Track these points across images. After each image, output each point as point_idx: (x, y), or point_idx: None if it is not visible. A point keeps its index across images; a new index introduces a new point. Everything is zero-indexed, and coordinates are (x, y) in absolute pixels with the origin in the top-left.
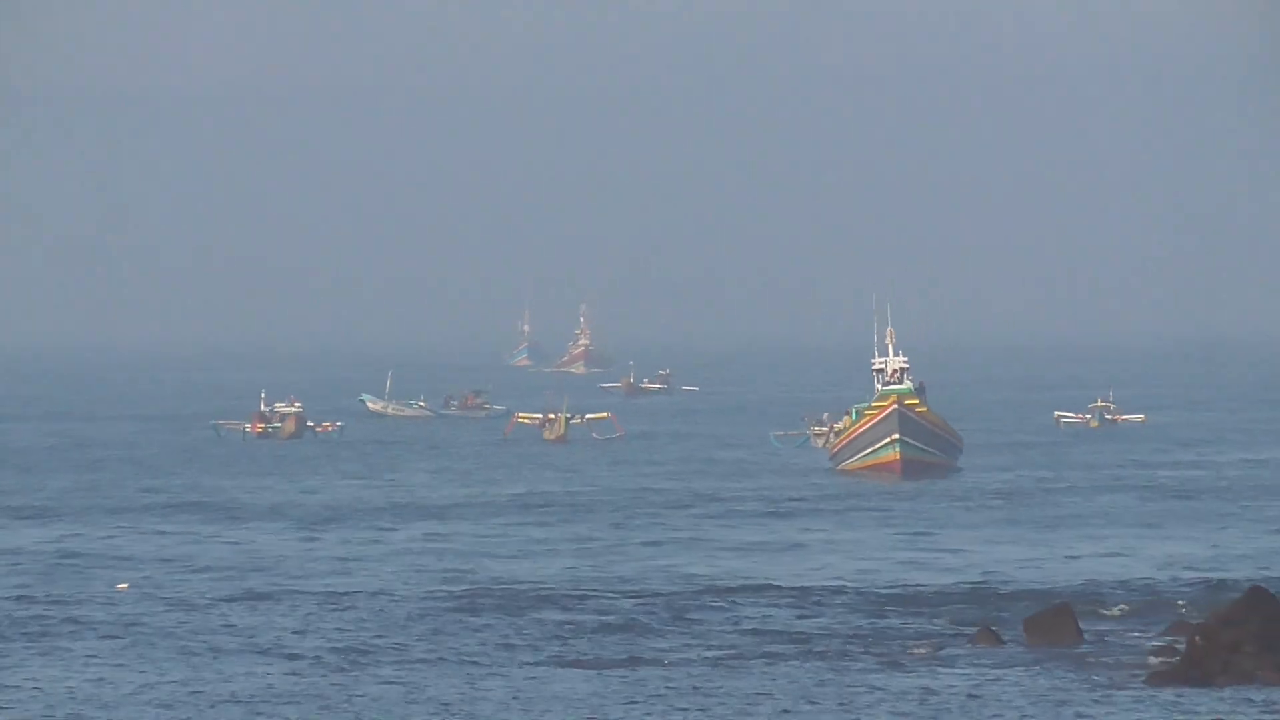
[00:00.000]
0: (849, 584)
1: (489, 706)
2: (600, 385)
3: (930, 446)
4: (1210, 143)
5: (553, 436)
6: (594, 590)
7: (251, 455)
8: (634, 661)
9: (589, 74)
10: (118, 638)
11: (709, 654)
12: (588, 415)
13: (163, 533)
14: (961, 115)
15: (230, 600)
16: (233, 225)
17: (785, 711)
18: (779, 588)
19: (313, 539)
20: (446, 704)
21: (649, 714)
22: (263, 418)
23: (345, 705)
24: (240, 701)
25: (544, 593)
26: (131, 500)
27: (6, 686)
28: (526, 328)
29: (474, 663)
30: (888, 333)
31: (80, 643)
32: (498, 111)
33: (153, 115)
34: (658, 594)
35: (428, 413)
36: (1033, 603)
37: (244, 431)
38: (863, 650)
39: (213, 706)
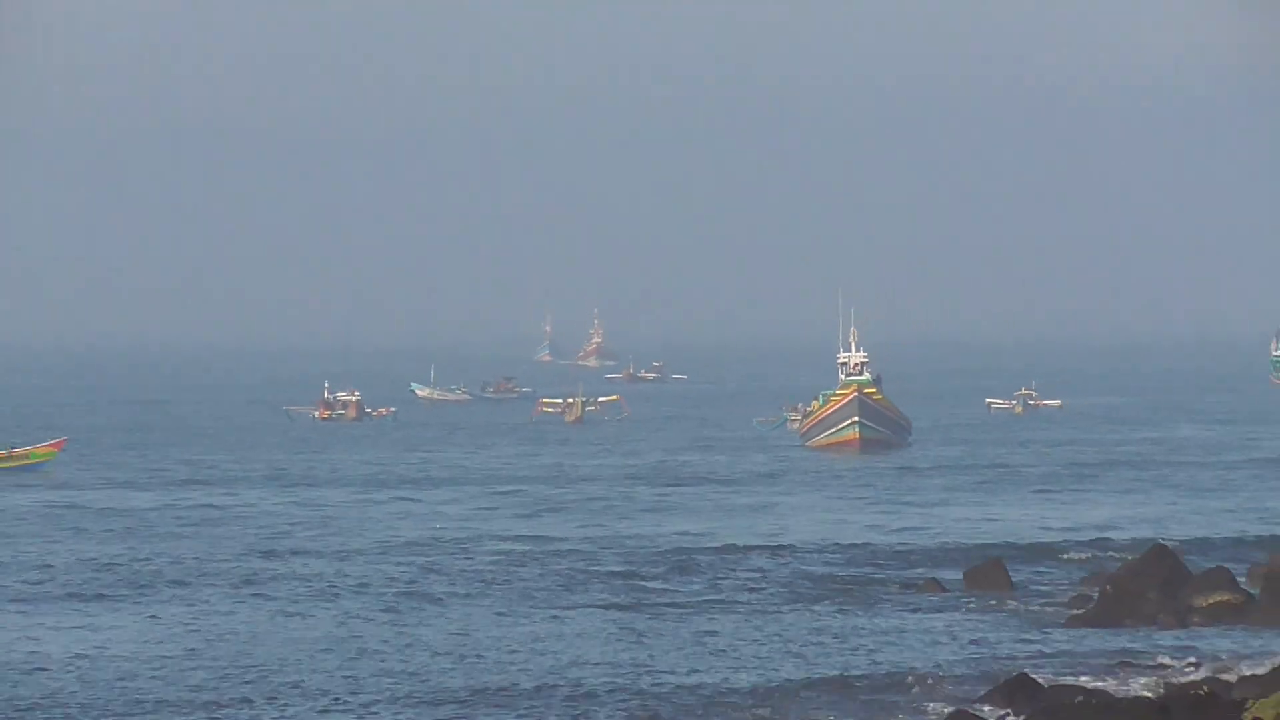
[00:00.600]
0: (813, 541)
1: (512, 644)
2: (606, 376)
3: (884, 427)
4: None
5: (571, 418)
6: (605, 546)
7: (319, 436)
8: (636, 606)
9: (593, 85)
10: (191, 584)
11: (697, 599)
12: (600, 398)
13: (245, 497)
14: (954, 126)
15: (300, 553)
16: (286, 242)
17: (756, 644)
18: (756, 546)
19: (370, 503)
20: (478, 642)
21: (640, 647)
22: (327, 404)
23: (394, 641)
24: (310, 639)
25: (564, 547)
26: (220, 471)
27: (109, 627)
28: (548, 329)
29: (504, 607)
30: (851, 332)
31: (176, 589)
32: (511, 140)
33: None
34: (658, 549)
35: (467, 397)
36: (970, 557)
37: (312, 416)
38: (822, 596)
39: (284, 644)
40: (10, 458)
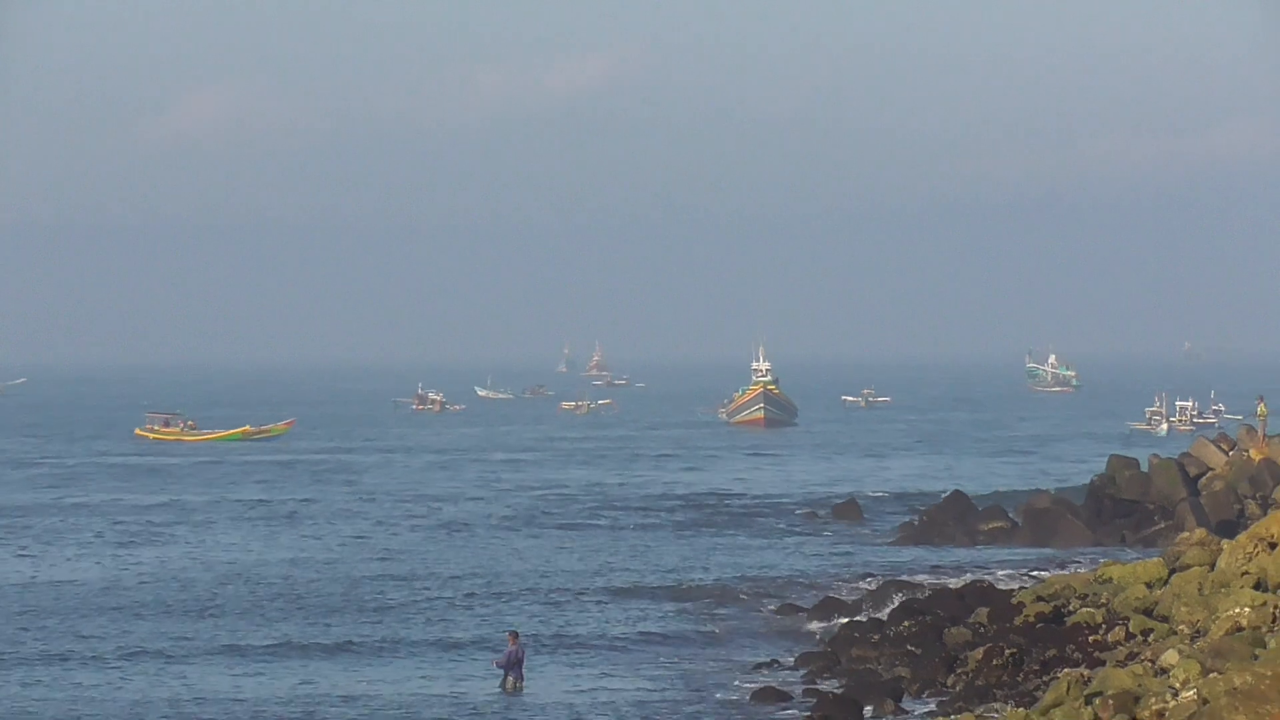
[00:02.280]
0: (731, 488)
1: (519, 549)
2: (593, 383)
3: (781, 411)
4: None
5: (582, 413)
6: (599, 489)
7: (415, 420)
8: (613, 528)
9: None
10: (339, 518)
11: (652, 521)
12: (600, 400)
13: (369, 458)
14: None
15: (399, 497)
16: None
17: (688, 555)
18: (692, 488)
19: (447, 465)
20: (510, 552)
21: (598, 553)
22: (421, 400)
23: (461, 557)
24: (399, 549)
25: (571, 492)
26: (368, 442)
27: (251, 547)
28: (566, 350)
29: (542, 529)
30: (760, 349)
31: (317, 524)
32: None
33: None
34: (631, 491)
35: (511, 397)
36: (835, 497)
37: (411, 408)
38: (733, 523)
39: (371, 552)
40: (260, 432)
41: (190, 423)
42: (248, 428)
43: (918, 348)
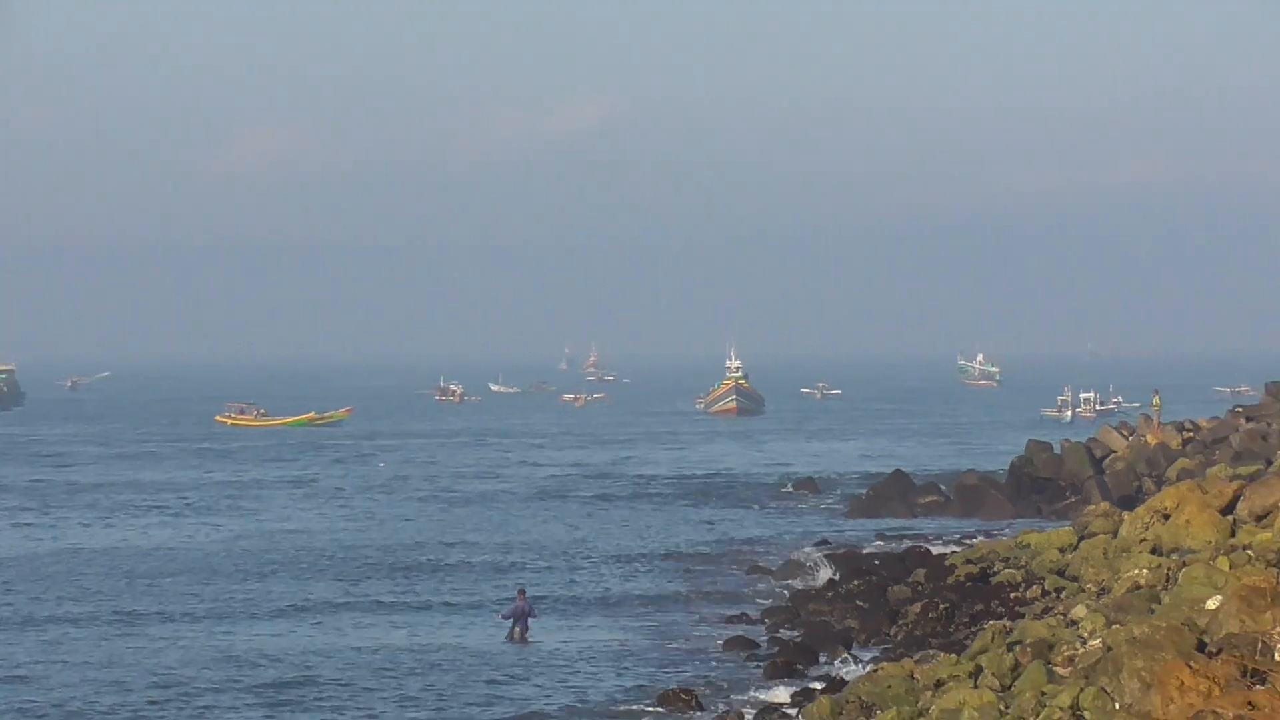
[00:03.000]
0: (708, 468)
1: (525, 520)
2: (586, 379)
3: (751, 401)
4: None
5: (579, 405)
6: (594, 469)
7: (438, 410)
8: (606, 497)
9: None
10: (378, 492)
11: (637, 498)
12: (594, 394)
13: (399, 441)
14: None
15: (427, 475)
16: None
17: (668, 525)
18: (676, 471)
19: (466, 445)
20: (517, 522)
21: (593, 523)
22: (443, 392)
23: (476, 526)
24: (424, 519)
25: (570, 472)
26: (402, 427)
27: (302, 518)
28: (568, 350)
29: (534, 505)
30: (732, 349)
31: (359, 498)
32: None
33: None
34: (623, 470)
35: (519, 391)
36: (796, 474)
37: (434, 398)
38: (709, 497)
39: (401, 522)
40: (323, 419)
41: (262, 410)
42: (312, 414)
43: (865, 347)
